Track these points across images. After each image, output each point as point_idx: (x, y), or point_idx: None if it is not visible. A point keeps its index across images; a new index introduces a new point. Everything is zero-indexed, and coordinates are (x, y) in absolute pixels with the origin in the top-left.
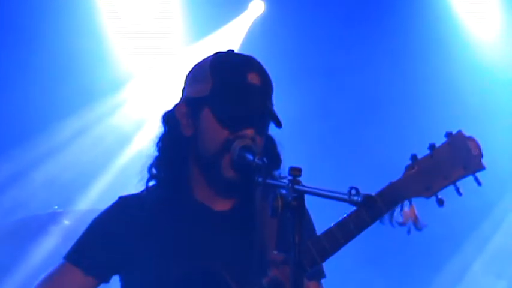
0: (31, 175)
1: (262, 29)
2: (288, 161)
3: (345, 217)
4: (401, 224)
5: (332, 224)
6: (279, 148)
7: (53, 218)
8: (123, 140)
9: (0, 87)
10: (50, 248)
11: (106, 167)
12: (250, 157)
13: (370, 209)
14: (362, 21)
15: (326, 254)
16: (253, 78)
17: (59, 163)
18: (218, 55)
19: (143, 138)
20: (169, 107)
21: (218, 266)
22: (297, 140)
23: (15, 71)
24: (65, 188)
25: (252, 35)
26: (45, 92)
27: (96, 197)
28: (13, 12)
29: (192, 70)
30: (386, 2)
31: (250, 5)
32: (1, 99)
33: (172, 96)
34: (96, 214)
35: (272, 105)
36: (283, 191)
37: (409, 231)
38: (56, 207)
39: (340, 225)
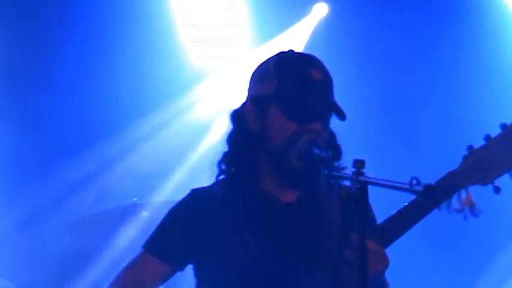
0: (116, 167)
1: (326, 31)
2: (350, 154)
3: (405, 205)
4: (459, 211)
5: (393, 212)
6: (339, 140)
7: (133, 209)
8: (197, 136)
9: (91, 86)
10: (130, 237)
11: (182, 161)
12: (317, 151)
13: (430, 198)
14: (423, 21)
15: (388, 241)
16: (315, 74)
17: (139, 157)
18: (281, 55)
19: (215, 135)
20: (236, 106)
21: (287, 255)
22: (359, 134)
23: (104, 71)
24: (145, 180)
25: (316, 38)
26: (129, 91)
27: (172, 189)
28: (99, 17)
29: (256, 70)
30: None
31: (314, 7)
32: (91, 97)
33: (240, 95)
34: (171, 206)
35: (334, 99)
36: (347, 183)
37: (465, 218)
38: (136, 199)
39: (402, 213)
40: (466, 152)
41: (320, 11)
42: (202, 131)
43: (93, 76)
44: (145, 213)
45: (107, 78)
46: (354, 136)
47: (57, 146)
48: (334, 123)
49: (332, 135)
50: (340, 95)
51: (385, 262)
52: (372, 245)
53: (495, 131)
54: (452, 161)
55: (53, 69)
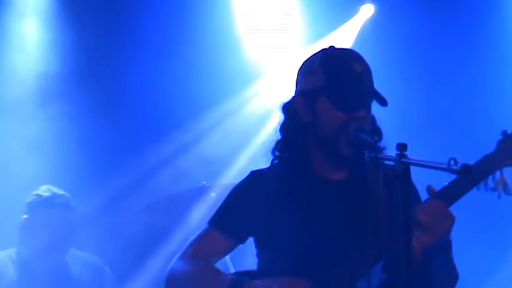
0: (188, 153)
1: (372, 30)
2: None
3: (446, 185)
4: (494, 190)
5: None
6: (379, 124)
7: (202, 191)
8: (257, 126)
9: (167, 80)
10: (200, 215)
11: (244, 148)
12: (364, 137)
13: (467, 177)
14: (467, 22)
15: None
16: (357, 67)
17: (208, 143)
18: (324, 51)
19: (271, 125)
20: (286, 99)
21: (337, 228)
22: (401, 123)
23: (179, 67)
24: (213, 165)
25: (363, 36)
26: (199, 84)
27: (236, 173)
28: (175, 18)
29: (302, 67)
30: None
31: (362, 8)
32: (166, 90)
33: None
34: (228, 189)
35: (374, 87)
36: (392, 164)
37: (499, 196)
38: (205, 182)
39: (442, 191)
40: (500, 137)
41: (367, 11)
42: (260, 122)
43: (169, 71)
44: (213, 194)
45: (182, 73)
46: (396, 124)
47: (137, 134)
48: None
49: (374, 120)
50: (385, 88)
51: (452, 218)
52: (440, 205)
53: None
54: (489, 145)
55: (132, 65)
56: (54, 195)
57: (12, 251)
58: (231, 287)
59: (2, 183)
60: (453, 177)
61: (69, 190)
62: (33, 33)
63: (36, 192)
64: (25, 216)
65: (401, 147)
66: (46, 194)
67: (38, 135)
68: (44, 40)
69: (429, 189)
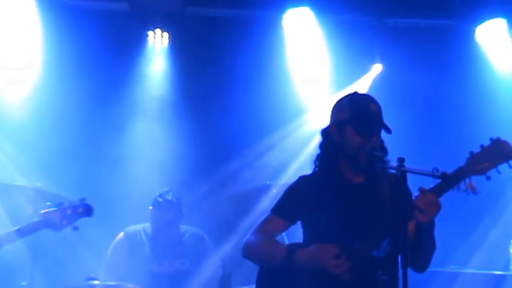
0: (260, 161)
1: (381, 81)
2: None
3: (431, 187)
4: (464, 191)
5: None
6: (386, 145)
7: (266, 188)
8: (304, 145)
9: (246, 109)
10: (265, 206)
11: (295, 159)
12: (376, 153)
13: (446, 181)
14: (450, 71)
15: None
16: (373, 107)
17: (273, 156)
18: (351, 94)
19: (313, 144)
20: (324, 127)
21: (359, 214)
22: (401, 143)
23: (252, 99)
24: (274, 170)
25: (375, 85)
26: (266, 112)
27: (289, 176)
28: (251, 60)
29: (335, 105)
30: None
31: (373, 66)
32: (247, 115)
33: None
34: (288, 185)
35: (383, 120)
36: (394, 171)
37: (468, 194)
38: (268, 182)
39: (430, 190)
40: (468, 155)
41: (377, 69)
42: (306, 142)
43: (246, 102)
44: (274, 191)
45: (254, 104)
46: (397, 143)
47: (226, 144)
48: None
49: (382, 142)
50: (390, 121)
51: (439, 206)
52: (434, 197)
53: (487, 141)
54: (461, 159)
55: (222, 95)
56: (166, 201)
57: (147, 225)
58: (288, 252)
59: (139, 170)
60: (436, 181)
61: (180, 181)
62: (157, 67)
63: (159, 192)
64: (150, 207)
65: (400, 160)
66: (162, 199)
67: (160, 134)
68: (162, 72)
69: (421, 189)
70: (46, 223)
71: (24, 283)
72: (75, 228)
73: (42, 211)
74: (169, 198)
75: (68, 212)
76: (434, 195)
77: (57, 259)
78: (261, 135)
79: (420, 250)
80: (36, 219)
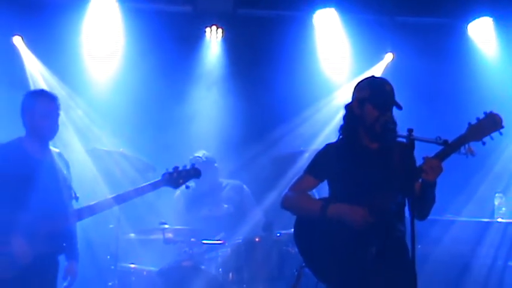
0: (296, 131)
1: (393, 71)
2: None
3: (435, 153)
4: (464, 154)
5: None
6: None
7: (300, 154)
8: (331, 117)
9: (289, 88)
10: (298, 169)
11: (323, 130)
12: (389, 125)
13: (448, 147)
14: (451, 62)
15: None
16: (387, 87)
17: (306, 127)
18: (369, 77)
19: (339, 117)
20: (348, 102)
21: (377, 176)
22: (411, 117)
23: (291, 80)
24: (308, 137)
25: (386, 73)
26: (302, 89)
27: (320, 142)
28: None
29: (357, 85)
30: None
31: (386, 56)
32: (286, 91)
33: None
34: (317, 151)
35: (395, 99)
36: (404, 139)
37: (467, 157)
38: (302, 148)
39: (435, 156)
40: (467, 126)
41: (388, 58)
42: (333, 115)
43: (287, 82)
44: (306, 155)
45: (294, 83)
46: (407, 118)
47: (268, 115)
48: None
49: (393, 116)
50: (399, 100)
51: (441, 169)
52: (437, 161)
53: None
54: (459, 130)
55: (267, 71)
56: (196, 160)
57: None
58: (322, 206)
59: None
60: (439, 148)
61: (231, 146)
62: (213, 55)
63: (195, 154)
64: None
65: (410, 130)
66: (200, 155)
67: (215, 109)
68: (217, 59)
69: (425, 157)
70: (166, 182)
71: (111, 225)
72: (187, 187)
73: (163, 173)
74: (199, 157)
75: (183, 173)
76: (438, 160)
77: (137, 207)
78: (297, 110)
79: (423, 203)
80: (157, 179)
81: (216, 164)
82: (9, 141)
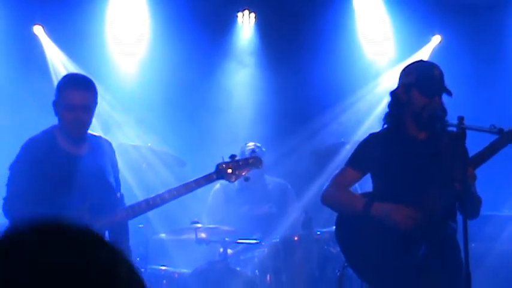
0: (337, 120)
1: (440, 54)
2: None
3: (489, 144)
4: None
5: (481, 149)
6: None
7: (341, 145)
8: (375, 106)
9: (321, 70)
10: (339, 162)
11: (367, 119)
12: (438, 112)
13: (503, 136)
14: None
15: (480, 162)
16: (436, 72)
17: (348, 116)
18: (417, 62)
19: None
20: (393, 88)
21: (424, 166)
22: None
23: (329, 66)
24: (349, 127)
25: (434, 58)
26: (342, 75)
27: (363, 132)
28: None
29: (403, 70)
30: None
31: (433, 38)
32: (325, 77)
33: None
34: (359, 142)
35: (445, 84)
36: (453, 128)
37: None
38: (343, 139)
39: (489, 147)
40: None
41: (436, 40)
42: (375, 104)
43: (326, 68)
44: (348, 147)
45: (333, 70)
46: (458, 105)
47: (307, 104)
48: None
49: (442, 103)
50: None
51: (474, 177)
52: (470, 169)
53: None
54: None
55: (305, 55)
56: (251, 147)
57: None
58: (365, 204)
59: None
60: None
61: (269, 138)
62: (245, 41)
63: (248, 145)
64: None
65: (460, 118)
66: (246, 147)
67: (250, 97)
68: (250, 44)
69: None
70: (222, 174)
71: (141, 225)
72: (246, 179)
73: (218, 163)
74: (255, 145)
75: (242, 163)
76: (471, 168)
77: (168, 204)
78: (337, 98)
79: (473, 200)
80: (210, 171)
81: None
82: (41, 132)
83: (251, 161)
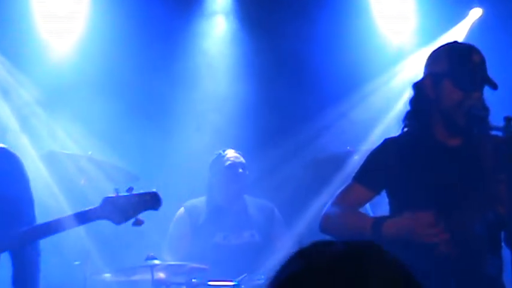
0: (343, 121)
1: (480, 31)
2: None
3: None
4: None
5: None
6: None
7: (347, 155)
8: (392, 102)
9: (335, 61)
10: (343, 177)
11: (382, 117)
12: (478, 112)
13: None
14: None
15: None
16: (475, 57)
17: (356, 112)
18: (449, 44)
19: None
20: (416, 80)
21: (454, 182)
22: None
23: (341, 53)
24: (357, 131)
25: (472, 35)
26: (348, 64)
27: (374, 138)
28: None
29: (430, 56)
30: None
31: (471, 12)
32: (324, 67)
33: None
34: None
35: (488, 74)
36: (499, 132)
37: None
38: (348, 147)
39: None
40: None
41: (475, 14)
42: (393, 99)
43: (336, 55)
44: (356, 157)
45: (343, 57)
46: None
47: (299, 102)
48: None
49: (483, 100)
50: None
51: None
52: None
53: None
54: None
55: (300, 40)
56: (235, 157)
57: (202, 199)
58: (374, 224)
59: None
60: None
61: (246, 147)
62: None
63: (216, 153)
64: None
65: (508, 119)
66: (228, 153)
67: (223, 94)
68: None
69: None
70: (105, 212)
71: (77, 262)
72: (138, 223)
73: (106, 197)
74: (237, 154)
75: (135, 201)
76: None
77: (115, 235)
78: (342, 92)
79: None
80: (92, 206)
81: (247, 172)
82: None
83: (147, 199)
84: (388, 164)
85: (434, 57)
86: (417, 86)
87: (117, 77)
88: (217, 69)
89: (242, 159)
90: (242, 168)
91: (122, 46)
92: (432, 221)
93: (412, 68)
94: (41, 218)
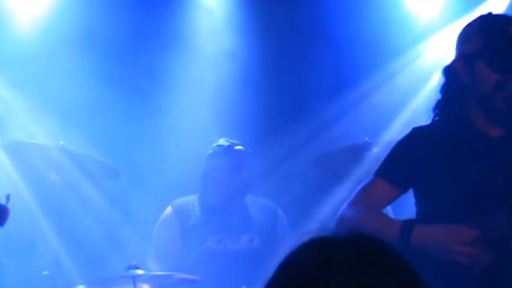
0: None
1: None
2: None
3: None
4: None
5: None
6: None
7: (365, 148)
8: (419, 85)
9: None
10: (364, 169)
11: (405, 106)
12: None
13: None
14: None
15: None
16: None
17: (375, 97)
18: (482, 17)
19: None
20: (447, 63)
21: (494, 177)
22: None
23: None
24: (378, 120)
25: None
26: (366, 41)
27: (397, 129)
28: None
29: (461, 33)
30: None
31: None
32: (339, 46)
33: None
34: (394, 142)
35: None
36: None
37: None
38: (367, 138)
39: None
40: None
41: None
42: (420, 83)
43: (354, 29)
44: (375, 150)
45: (354, 31)
46: None
47: (309, 86)
48: None
49: None
50: None
51: None
52: None
53: None
54: None
55: (328, 15)
56: (233, 144)
57: (194, 197)
58: (402, 228)
59: (189, 124)
60: None
61: (247, 140)
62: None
63: (215, 144)
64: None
65: None
66: (226, 143)
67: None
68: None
69: None
70: None
71: (45, 272)
72: None
73: None
74: (236, 142)
75: None
76: None
77: (91, 240)
78: (358, 75)
79: None
80: None
81: (252, 170)
82: None
83: None
84: (417, 157)
85: (466, 35)
86: (448, 70)
87: (94, 42)
88: (220, 30)
89: (247, 154)
90: (247, 165)
91: (101, 6)
92: (471, 239)
93: (443, 45)
94: None
